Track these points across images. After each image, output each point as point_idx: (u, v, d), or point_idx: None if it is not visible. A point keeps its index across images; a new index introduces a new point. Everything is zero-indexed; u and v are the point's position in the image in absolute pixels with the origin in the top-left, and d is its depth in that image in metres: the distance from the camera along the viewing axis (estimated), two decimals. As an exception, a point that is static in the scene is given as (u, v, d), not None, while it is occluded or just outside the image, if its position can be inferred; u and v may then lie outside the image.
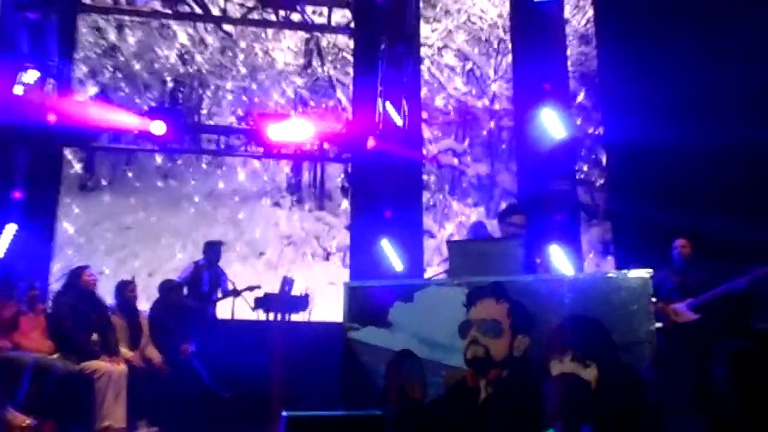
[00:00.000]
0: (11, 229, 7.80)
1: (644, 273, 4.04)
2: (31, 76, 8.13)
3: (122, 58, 9.49)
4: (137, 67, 9.52)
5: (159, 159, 9.42)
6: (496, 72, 10.56)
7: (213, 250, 7.99)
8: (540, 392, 4.02)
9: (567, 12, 10.52)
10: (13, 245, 7.77)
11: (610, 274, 4.59)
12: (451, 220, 10.14)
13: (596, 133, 10.47)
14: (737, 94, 8.42)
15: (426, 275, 8.98)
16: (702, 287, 6.12)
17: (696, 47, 8.71)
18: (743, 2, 8.40)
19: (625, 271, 4.18)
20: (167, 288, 7.27)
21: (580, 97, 10.64)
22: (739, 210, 7.88)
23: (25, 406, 5.25)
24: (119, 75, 9.46)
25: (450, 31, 10.45)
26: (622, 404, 3.86)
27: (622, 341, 3.94)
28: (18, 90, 8.02)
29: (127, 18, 9.37)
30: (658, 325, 3.99)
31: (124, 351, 6.36)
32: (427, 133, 9.96)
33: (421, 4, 10.00)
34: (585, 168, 10.46)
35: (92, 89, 9.37)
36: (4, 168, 8.14)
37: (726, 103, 8.46)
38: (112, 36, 9.50)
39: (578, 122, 10.08)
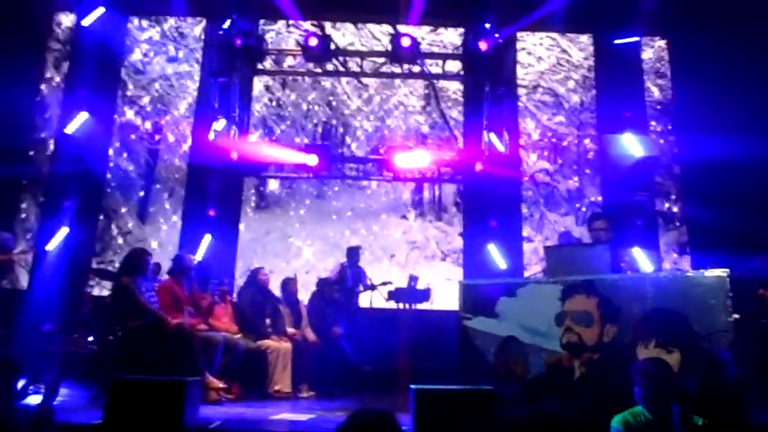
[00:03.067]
0: (207, 239, 8.27)
1: (721, 272, 3.72)
2: (220, 124, 8.62)
3: (284, 107, 9.84)
4: (295, 113, 9.82)
5: (312, 184, 9.63)
6: (582, 104, 10.10)
7: (353, 253, 8.06)
8: (627, 372, 3.78)
9: (644, 51, 9.92)
10: (208, 251, 8.20)
11: (688, 273, 4.27)
12: (546, 227, 9.77)
13: (673, 151, 9.80)
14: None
15: (525, 273, 8.70)
16: None
17: (758, 71, 8.12)
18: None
19: (702, 270, 3.87)
20: (322, 284, 7.42)
21: (656, 123, 9.99)
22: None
23: (219, 372, 5.49)
24: (282, 120, 9.81)
25: (542, 72, 10.10)
26: (706, 385, 3.56)
27: (702, 330, 3.65)
28: (211, 135, 8.53)
29: (288, 77, 9.73)
30: (736, 316, 3.63)
31: (290, 331, 6.58)
32: (524, 156, 9.67)
33: (518, 53, 9.74)
34: (662, 180, 9.79)
35: (262, 132, 9.78)
36: (201, 193, 8.59)
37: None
38: (277, 91, 9.88)
39: (654, 142, 9.48)
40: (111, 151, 9.36)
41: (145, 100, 9.62)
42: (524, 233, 9.37)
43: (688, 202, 9.38)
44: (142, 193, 9.33)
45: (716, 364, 3.55)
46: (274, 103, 9.78)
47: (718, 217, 7.79)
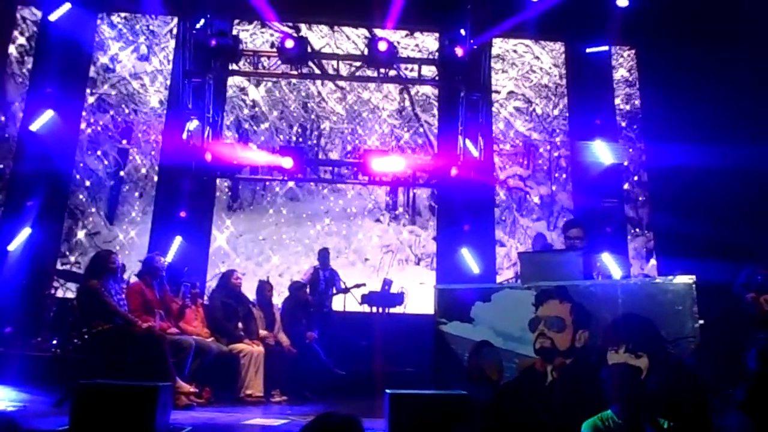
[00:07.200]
0: (178, 240, 8.17)
1: (688, 279, 3.82)
2: (193, 125, 8.52)
3: (259, 109, 9.79)
4: (270, 115, 9.79)
5: (287, 186, 9.59)
6: (554, 111, 10.29)
7: (323, 255, 8.05)
8: (598, 377, 3.87)
9: (614, 60, 10.17)
10: (179, 253, 8.10)
11: (657, 280, 4.37)
12: (518, 232, 9.91)
13: (641, 158, 10.05)
14: (760, 124, 8.10)
15: (498, 277, 8.82)
16: None
17: (723, 82, 8.42)
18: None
19: (671, 277, 3.97)
20: (294, 287, 7.37)
21: (626, 130, 10.24)
22: (759, 221, 7.58)
23: (189, 377, 5.40)
24: (257, 122, 9.77)
25: (516, 79, 10.27)
26: (672, 389, 3.66)
27: (669, 336, 3.73)
28: (184, 136, 8.42)
29: (263, 78, 9.68)
30: (701, 322, 3.73)
31: (263, 334, 6.53)
32: (498, 162, 9.81)
33: (492, 59, 9.87)
34: (630, 187, 10.03)
35: (236, 134, 9.71)
36: (173, 194, 8.47)
37: (749, 131, 8.12)
38: (252, 92, 9.83)
39: (624, 150, 9.71)
40: (78, 151, 9.18)
41: (115, 98, 9.48)
42: (497, 237, 9.50)
43: (655, 209, 9.62)
44: (110, 194, 9.17)
45: (682, 369, 3.64)
46: (248, 105, 9.74)
47: (683, 223, 7.99)
